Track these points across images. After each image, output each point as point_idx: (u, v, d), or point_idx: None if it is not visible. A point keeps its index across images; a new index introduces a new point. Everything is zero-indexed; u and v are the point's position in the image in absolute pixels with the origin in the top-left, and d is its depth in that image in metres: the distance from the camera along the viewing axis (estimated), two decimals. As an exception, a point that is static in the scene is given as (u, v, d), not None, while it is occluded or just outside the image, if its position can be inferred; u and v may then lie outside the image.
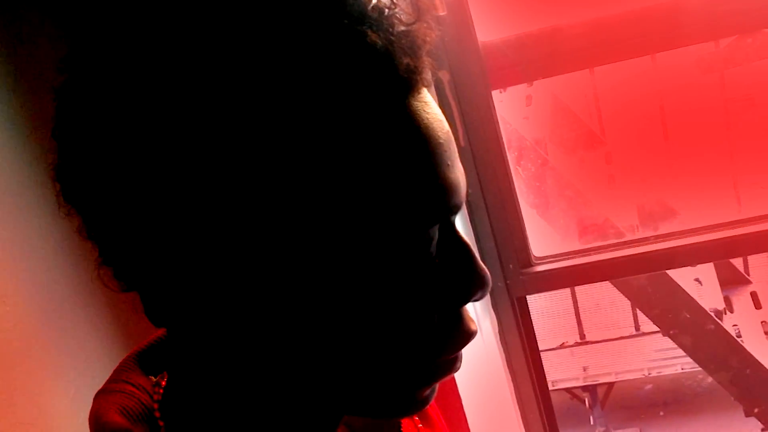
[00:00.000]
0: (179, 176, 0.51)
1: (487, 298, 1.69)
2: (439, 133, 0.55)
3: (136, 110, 0.51)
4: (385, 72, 0.52)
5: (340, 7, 0.51)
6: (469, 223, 1.65)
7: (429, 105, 0.55)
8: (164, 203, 0.52)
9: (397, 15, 0.53)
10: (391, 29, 0.52)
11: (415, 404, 0.60)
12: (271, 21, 0.50)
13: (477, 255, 0.58)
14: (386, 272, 0.54)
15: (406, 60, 0.53)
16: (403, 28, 0.53)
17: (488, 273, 0.58)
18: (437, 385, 0.61)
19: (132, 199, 0.52)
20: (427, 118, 0.54)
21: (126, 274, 0.56)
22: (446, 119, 0.57)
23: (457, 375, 1.43)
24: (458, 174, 0.56)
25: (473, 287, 0.58)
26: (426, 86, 0.56)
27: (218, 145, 0.50)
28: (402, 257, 0.54)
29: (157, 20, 0.51)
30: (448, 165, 0.55)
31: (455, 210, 0.56)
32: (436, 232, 0.56)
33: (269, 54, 0.50)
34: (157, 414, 0.62)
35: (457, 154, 0.57)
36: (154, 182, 0.51)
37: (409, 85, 0.54)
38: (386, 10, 0.53)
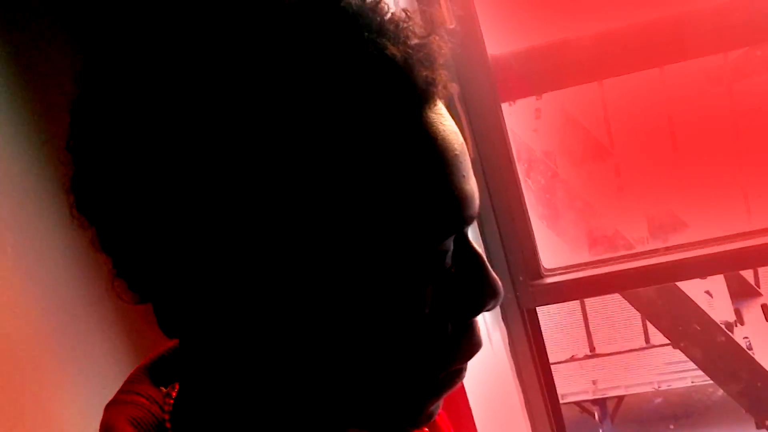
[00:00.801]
0: (195, 190, 0.51)
1: (497, 309, 1.69)
2: (455, 145, 0.55)
3: (151, 123, 0.51)
4: (404, 84, 0.52)
5: (360, 19, 0.52)
6: (479, 235, 1.65)
7: (444, 117, 0.55)
8: (179, 216, 0.52)
9: (412, 28, 0.53)
10: (408, 41, 0.53)
11: (423, 418, 0.60)
12: (293, 33, 0.51)
13: (488, 265, 0.58)
14: (403, 284, 0.54)
15: (424, 72, 0.53)
16: (418, 40, 0.53)
17: (500, 283, 0.59)
18: (442, 399, 0.61)
19: (146, 212, 0.52)
20: (444, 130, 0.54)
21: (140, 286, 0.57)
22: (462, 139, 0.57)
23: (467, 387, 1.43)
24: (473, 185, 0.56)
25: (486, 297, 0.58)
26: (441, 99, 0.56)
27: (233, 160, 0.50)
28: (418, 269, 0.54)
29: (174, 37, 0.51)
30: (464, 176, 0.55)
31: (470, 221, 0.56)
32: (451, 244, 0.56)
33: (289, 66, 0.50)
34: (168, 425, 0.62)
35: (470, 166, 0.57)
36: (169, 195, 0.51)
37: (426, 97, 0.54)
38: (401, 23, 0.53)
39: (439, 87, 0.55)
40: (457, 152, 0.55)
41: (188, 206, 0.51)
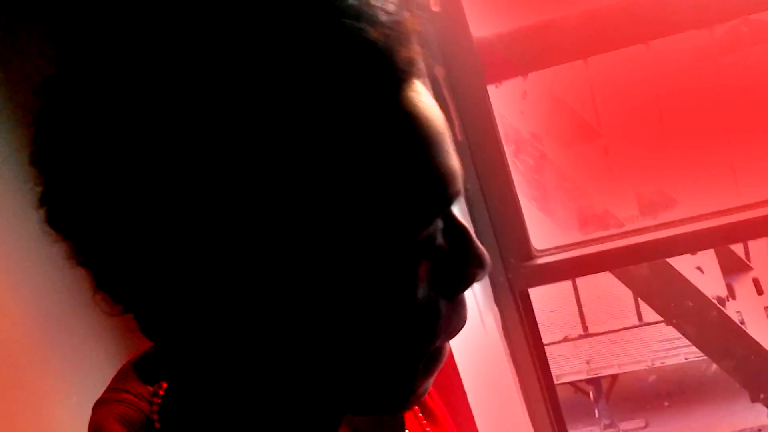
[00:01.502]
0: (169, 191, 0.50)
1: (490, 292, 1.69)
2: (437, 122, 0.55)
3: (123, 132, 0.49)
4: (385, 65, 0.52)
5: (337, 4, 0.51)
6: (469, 218, 1.64)
7: (424, 95, 0.55)
8: (155, 221, 0.50)
9: (383, 6, 0.52)
10: (383, 21, 0.52)
11: (415, 397, 0.60)
12: (269, 20, 0.49)
13: (474, 237, 0.58)
14: (396, 266, 0.53)
15: (403, 52, 0.52)
16: (392, 18, 0.52)
17: (487, 253, 0.59)
18: (432, 379, 0.61)
19: (122, 221, 0.51)
20: (425, 108, 0.54)
21: (121, 297, 0.56)
22: (443, 115, 0.57)
23: (461, 371, 1.43)
24: (456, 162, 0.56)
25: (474, 268, 0.58)
26: (419, 77, 0.55)
27: (209, 157, 0.49)
28: (410, 249, 0.54)
29: (140, 34, 0.50)
30: (447, 153, 0.55)
31: (455, 198, 0.56)
32: (440, 221, 0.56)
33: (266, 53, 0.49)
34: (158, 426, 0.62)
35: (451, 142, 0.56)
36: (145, 203, 0.50)
37: (406, 76, 0.53)
38: (373, 2, 0.52)
39: (418, 65, 0.54)
40: (439, 129, 0.55)
41: (165, 208, 0.50)
